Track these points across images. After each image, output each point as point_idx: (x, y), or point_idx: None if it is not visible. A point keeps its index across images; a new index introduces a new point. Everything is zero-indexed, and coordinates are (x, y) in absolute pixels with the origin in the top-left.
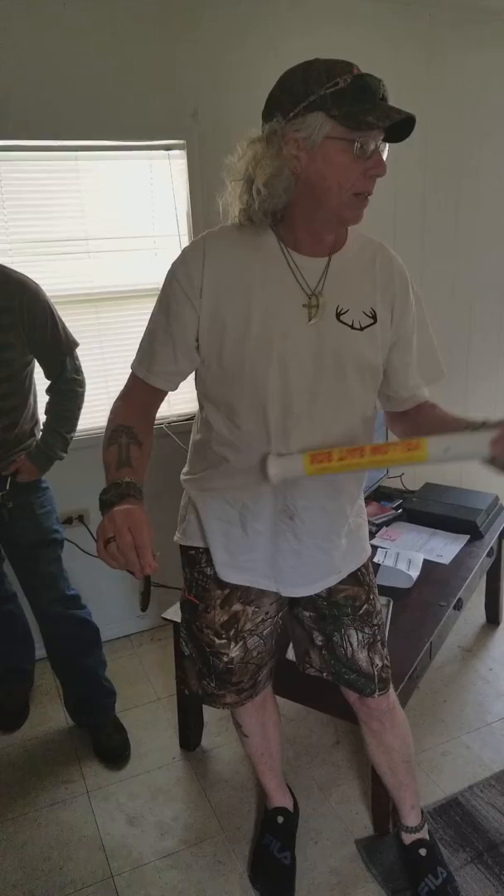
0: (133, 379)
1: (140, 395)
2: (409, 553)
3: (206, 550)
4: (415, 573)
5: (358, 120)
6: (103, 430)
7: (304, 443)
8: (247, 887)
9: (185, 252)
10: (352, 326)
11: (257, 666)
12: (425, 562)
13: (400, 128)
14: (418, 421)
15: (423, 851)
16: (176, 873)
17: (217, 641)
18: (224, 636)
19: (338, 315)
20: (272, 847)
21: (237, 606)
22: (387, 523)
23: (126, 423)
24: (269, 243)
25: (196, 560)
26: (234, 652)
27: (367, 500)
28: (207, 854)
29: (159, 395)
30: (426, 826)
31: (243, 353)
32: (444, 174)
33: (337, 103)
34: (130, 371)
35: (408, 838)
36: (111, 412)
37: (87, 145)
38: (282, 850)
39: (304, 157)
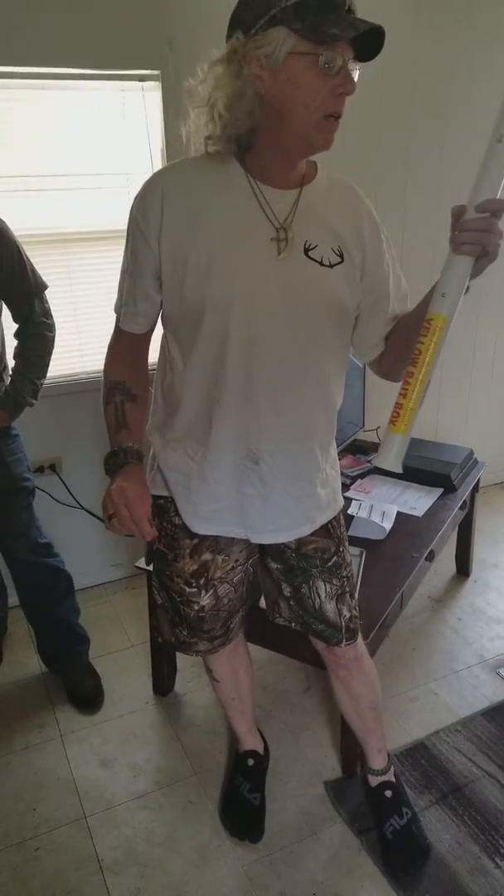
0: (117, 321)
1: (125, 341)
2: (382, 505)
3: (174, 499)
4: (388, 525)
5: (321, 32)
6: (75, 377)
7: (268, 386)
8: (217, 827)
9: (142, 189)
10: (321, 263)
11: (229, 613)
12: (399, 514)
13: (371, 45)
14: (397, 336)
15: (388, 793)
16: (148, 814)
17: (188, 590)
18: (194, 585)
19: (306, 251)
20: (242, 788)
21: (206, 556)
22: (361, 476)
23: (118, 379)
24: (235, 174)
25: (165, 509)
26: (205, 600)
27: (342, 453)
28: (179, 795)
29: (143, 339)
30: (392, 769)
31: (206, 289)
32: (432, 107)
33: (300, 15)
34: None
35: (374, 780)
36: (104, 365)
37: (54, 73)
38: (252, 791)
39: (268, 76)
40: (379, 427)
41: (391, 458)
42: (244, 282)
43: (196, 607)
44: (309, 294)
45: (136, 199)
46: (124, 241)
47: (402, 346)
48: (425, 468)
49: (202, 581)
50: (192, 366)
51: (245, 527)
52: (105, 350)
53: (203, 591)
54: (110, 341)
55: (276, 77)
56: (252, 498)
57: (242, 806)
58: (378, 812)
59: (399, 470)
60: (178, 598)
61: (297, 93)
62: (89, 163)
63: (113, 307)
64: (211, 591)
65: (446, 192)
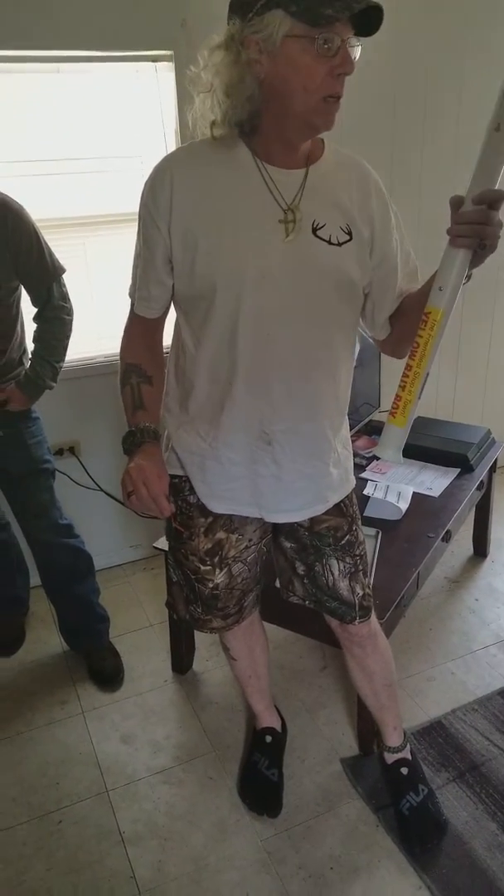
0: (130, 307)
1: (139, 325)
2: (398, 486)
3: (189, 479)
4: (404, 505)
5: (317, 14)
6: (93, 360)
7: (279, 367)
8: (236, 802)
9: (150, 175)
10: (329, 242)
11: (242, 592)
12: (415, 494)
13: (371, 19)
14: (400, 317)
15: (404, 770)
16: (168, 788)
17: (202, 568)
18: (209, 563)
19: (314, 230)
20: (260, 764)
21: (221, 534)
22: (377, 457)
23: (133, 362)
24: (242, 156)
25: (180, 488)
26: (219, 578)
27: (358, 434)
28: (198, 771)
29: (157, 322)
30: (408, 746)
31: (216, 271)
32: (447, 82)
33: None
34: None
35: (390, 758)
36: (121, 348)
37: (68, 55)
38: (269, 767)
39: (266, 60)
40: None
41: (391, 451)
42: (254, 264)
43: (210, 585)
44: (318, 273)
45: (145, 184)
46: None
47: (405, 326)
48: (442, 448)
49: (216, 559)
50: (204, 348)
51: (259, 506)
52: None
53: (217, 570)
54: (125, 325)
55: (274, 61)
56: (266, 478)
57: (261, 782)
58: (394, 789)
59: (399, 461)
60: (193, 576)
61: (295, 76)
62: (104, 146)
63: (127, 292)
64: (225, 570)
65: (461, 177)
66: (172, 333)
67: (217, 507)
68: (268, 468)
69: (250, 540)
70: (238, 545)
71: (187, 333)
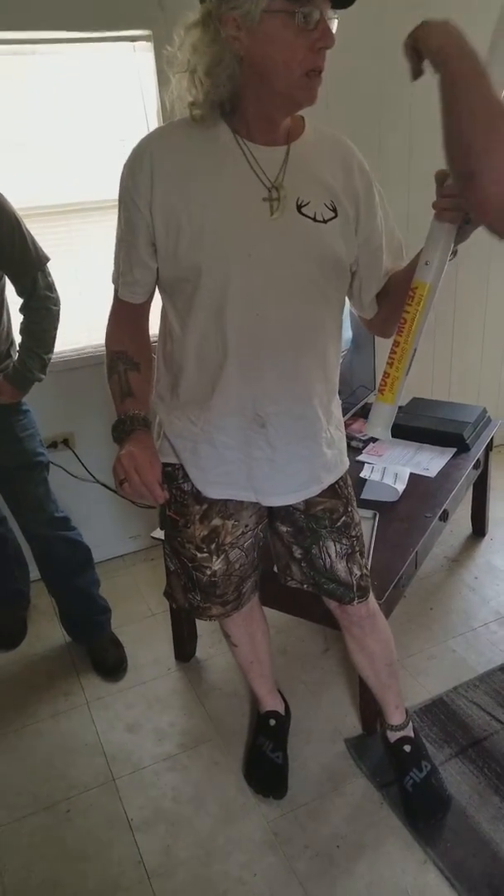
0: (115, 293)
1: (124, 311)
2: (395, 467)
3: (182, 466)
4: (401, 487)
5: None
6: (82, 350)
7: (270, 348)
8: (242, 785)
9: (130, 157)
10: (314, 219)
11: (240, 578)
12: (411, 475)
13: None
14: (385, 295)
15: (407, 748)
16: (174, 775)
17: (199, 556)
18: (205, 550)
19: (298, 208)
20: (265, 748)
21: (216, 521)
22: (373, 439)
23: (119, 349)
24: (223, 135)
25: (173, 476)
26: (217, 565)
27: (354, 417)
28: (204, 756)
29: (142, 308)
30: (411, 724)
31: (200, 252)
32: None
33: None
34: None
35: (393, 736)
36: (106, 336)
37: (43, 37)
38: (274, 750)
39: (245, 37)
40: None
41: (380, 428)
42: (239, 244)
43: (208, 572)
44: (304, 252)
45: (124, 167)
46: None
47: (392, 305)
48: (437, 428)
49: (213, 546)
50: (191, 331)
51: (254, 490)
52: None
53: (214, 557)
54: (110, 312)
55: (253, 37)
56: (260, 461)
57: (266, 765)
58: (398, 767)
59: (388, 438)
60: (191, 564)
61: (275, 52)
62: (84, 130)
63: (111, 278)
64: (222, 557)
65: None
66: (160, 318)
67: (212, 492)
68: (262, 451)
69: (246, 525)
70: (234, 531)
71: (174, 317)
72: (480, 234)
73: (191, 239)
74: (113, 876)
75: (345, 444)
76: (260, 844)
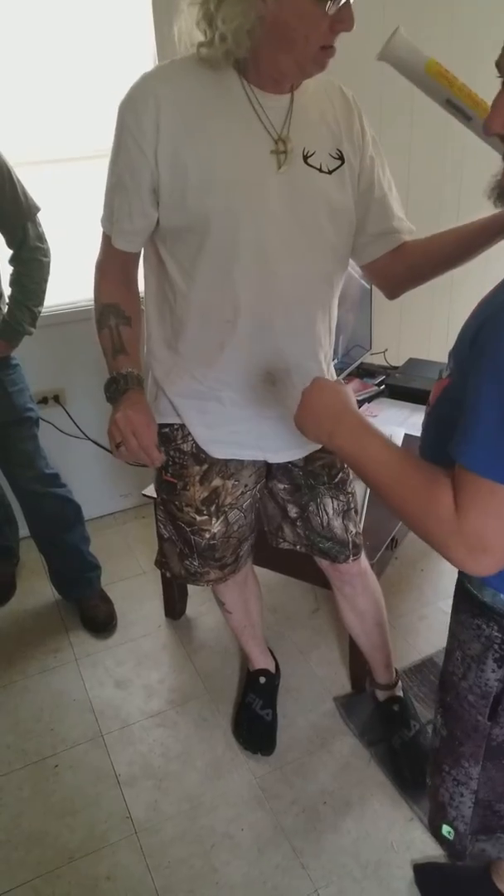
0: (104, 239)
1: (115, 259)
2: (389, 428)
3: (182, 426)
4: None
5: None
6: (75, 304)
7: (278, 302)
8: (231, 742)
9: (131, 96)
10: (320, 170)
11: (239, 540)
12: (406, 436)
13: None
14: (411, 258)
15: (396, 707)
16: (163, 730)
17: (198, 518)
18: (205, 512)
19: (305, 158)
20: (255, 705)
21: (217, 481)
22: (368, 400)
23: (110, 301)
24: (230, 79)
25: (171, 437)
26: (216, 527)
27: (350, 376)
28: (192, 713)
29: (134, 257)
30: (400, 684)
31: (210, 203)
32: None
33: None
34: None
35: (382, 695)
36: (94, 287)
37: None
38: (263, 707)
39: (272, 1)
40: (386, 350)
41: (400, 49)
42: (249, 196)
43: (207, 535)
44: (313, 204)
45: (124, 106)
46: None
47: (408, 273)
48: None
49: (213, 508)
50: (197, 285)
51: (262, 448)
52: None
53: (214, 519)
54: (98, 261)
55: (280, 4)
56: (271, 419)
57: (255, 722)
58: (386, 725)
59: (390, 53)
60: (188, 529)
61: (299, 24)
62: (79, 77)
63: (100, 222)
64: (222, 518)
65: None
66: (148, 271)
67: (218, 452)
68: (273, 409)
69: (246, 485)
70: (234, 491)
71: (175, 269)
72: (477, 199)
73: (199, 188)
74: (101, 830)
75: None
76: (247, 800)
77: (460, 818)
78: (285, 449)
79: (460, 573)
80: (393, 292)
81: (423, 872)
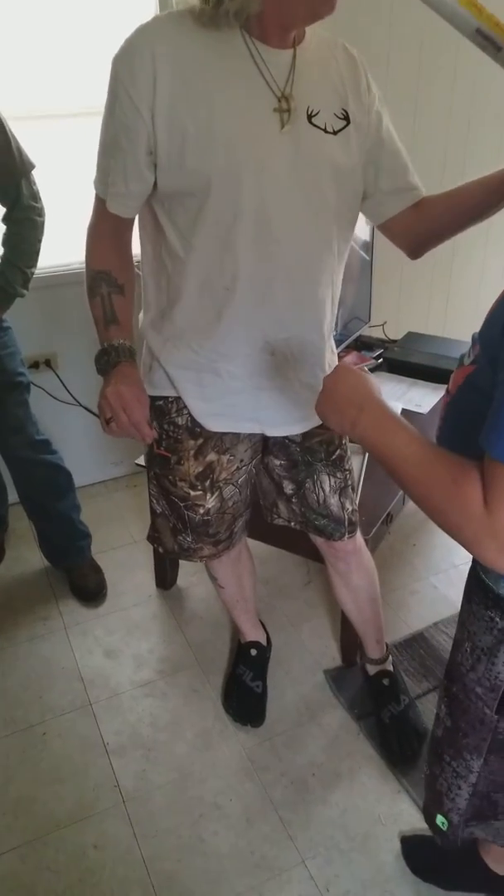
0: (97, 202)
1: (108, 223)
2: (387, 403)
3: (177, 399)
4: None
5: None
6: (68, 266)
7: (279, 269)
8: (220, 713)
9: (125, 50)
10: (325, 130)
11: (233, 516)
12: (404, 411)
13: None
14: (434, 211)
15: (386, 681)
16: (152, 700)
17: (192, 493)
18: (199, 487)
19: (309, 118)
20: (245, 676)
21: (211, 456)
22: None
23: (103, 268)
24: (231, 33)
25: (165, 410)
26: (211, 503)
27: (348, 349)
28: (182, 683)
29: (128, 222)
30: (390, 658)
31: (210, 164)
32: None
33: None
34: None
35: (372, 669)
36: (86, 251)
37: None
38: (254, 679)
39: None
40: (385, 323)
41: None
42: (250, 156)
43: (201, 511)
44: (317, 166)
45: (118, 61)
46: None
47: (429, 233)
48: (431, 364)
49: (207, 483)
50: (197, 251)
51: (259, 421)
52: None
53: (208, 494)
54: (90, 225)
55: None
56: (269, 391)
57: (245, 693)
58: (376, 699)
59: None
60: (182, 504)
61: None
62: (75, 30)
63: (93, 184)
64: (216, 493)
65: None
66: (144, 238)
67: (214, 425)
68: (271, 380)
69: (241, 461)
70: (229, 466)
71: (173, 235)
72: (480, 170)
73: (199, 149)
74: (89, 799)
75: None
76: (236, 771)
77: (456, 810)
78: (283, 423)
79: (475, 562)
80: (416, 251)
81: (411, 845)
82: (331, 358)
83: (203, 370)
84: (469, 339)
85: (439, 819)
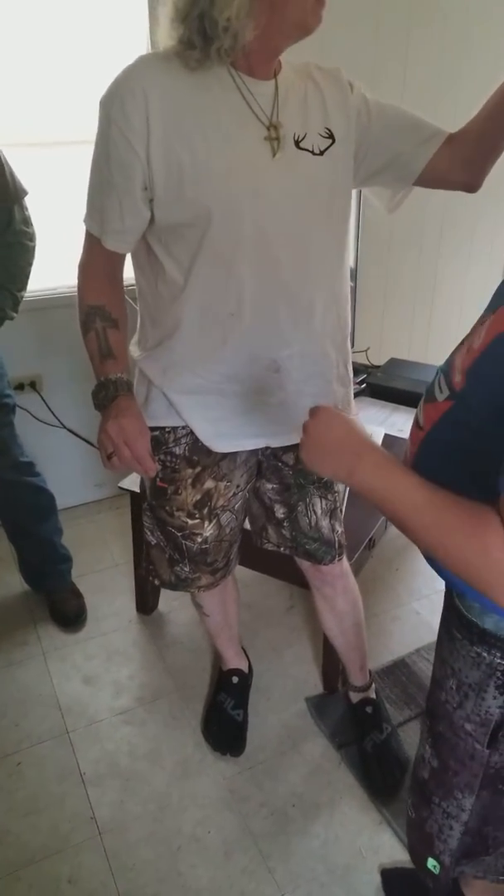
0: (89, 238)
1: (101, 259)
2: (369, 427)
3: (174, 429)
4: None
5: None
6: (55, 290)
7: (282, 291)
8: (200, 741)
9: (115, 90)
10: (312, 152)
11: (230, 543)
12: (386, 436)
13: None
14: (473, 130)
15: (369, 709)
16: (131, 728)
17: (190, 522)
18: (197, 516)
19: (296, 143)
20: (226, 704)
21: (209, 483)
22: None
23: (97, 303)
24: (217, 67)
25: (162, 441)
26: (208, 531)
27: None
28: (162, 711)
29: (120, 257)
30: (373, 686)
31: (209, 194)
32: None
33: None
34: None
35: (355, 697)
36: (78, 288)
37: None
38: (235, 707)
39: None
40: (368, 348)
41: None
42: (247, 185)
43: (199, 539)
44: (311, 188)
45: (108, 101)
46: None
47: (480, 139)
48: (413, 390)
49: (205, 511)
50: (198, 280)
51: (265, 435)
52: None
53: (206, 522)
54: (81, 262)
55: None
56: (274, 406)
57: (225, 722)
58: (359, 728)
59: None
60: (179, 534)
61: None
62: (69, 59)
63: (83, 222)
64: (214, 521)
65: (447, 98)
66: (137, 270)
67: (222, 445)
68: (275, 396)
69: (238, 486)
70: (226, 493)
71: (173, 267)
72: (462, 201)
73: (197, 182)
74: (64, 831)
75: (352, 388)
76: (215, 801)
77: (448, 851)
78: (288, 433)
79: (454, 598)
80: (472, 181)
81: (391, 877)
82: (344, 371)
83: (209, 393)
84: None
85: (430, 862)
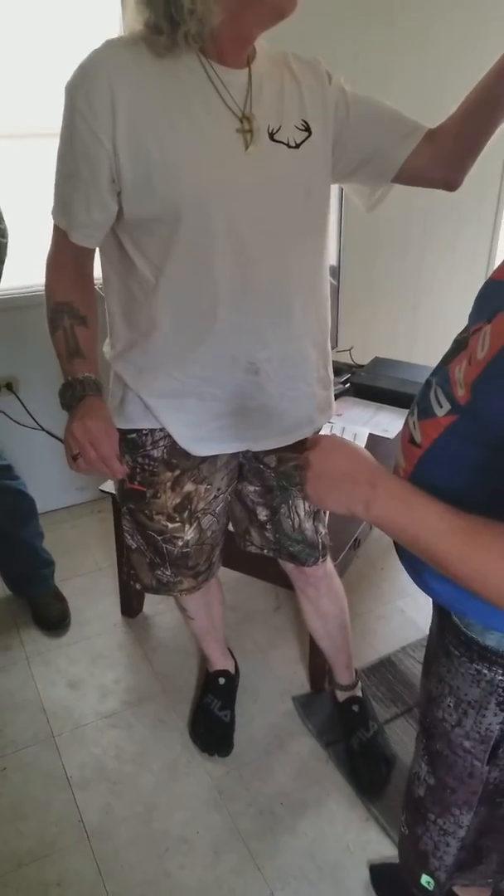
0: (56, 232)
1: (68, 253)
2: (354, 428)
3: (152, 431)
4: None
5: None
6: (30, 290)
7: (258, 289)
8: (187, 743)
9: (79, 77)
10: (287, 145)
11: (212, 547)
12: (370, 436)
13: None
14: (452, 128)
15: (355, 708)
16: (118, 732)
17: (170, 526)
18: (178, 519)
19: (271, 135)
20: (213, 706)
21: (189, 486)
22: (334, 397)
23: (64, 300)
24: (186, 55)
25: (139, 444)
26: (189, 534)
27: None
28: (149, 714)
29: (89, 252)
30: (359, 684)
31: (179, 189)
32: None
33: None
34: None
35: (341, 696)
36: (46, 285)
37: None
38: (222, 708)
39: None
40: (352, 347)
41: None
42: (218, 178)
43: (180, 543)
44: (285, 182)
45: (73, 90)
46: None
47: (467, 122)
48: (398, 389)
49: (185, 514)
50: (170, 279)
51: (245, 439)
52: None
53: (187, 525)
54: (49, 256)
55: None
56: (254, 409)
57: (213, 722)
58: (345, 726)
59: None
60: (160, 537)
61: None
62: (36, 50)
63: (51, 214)
64: (195, 525)
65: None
66: (106, 268)
67: (201, 449)
68: (255, 399)
69: (218, 489)
70: (207, 496)
71: (143, 264)
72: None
73: (164, 174)
74: (51, 835)
75: (332, 390)
76: (203, 802)
77: (443, 867)
78: (268, 437)
79: (449, 615)
80: (451, 179)
81: (379, 873)
82: (324, 373)
83: (186, 396)
84: (434, 365)
85: (424, 879)
